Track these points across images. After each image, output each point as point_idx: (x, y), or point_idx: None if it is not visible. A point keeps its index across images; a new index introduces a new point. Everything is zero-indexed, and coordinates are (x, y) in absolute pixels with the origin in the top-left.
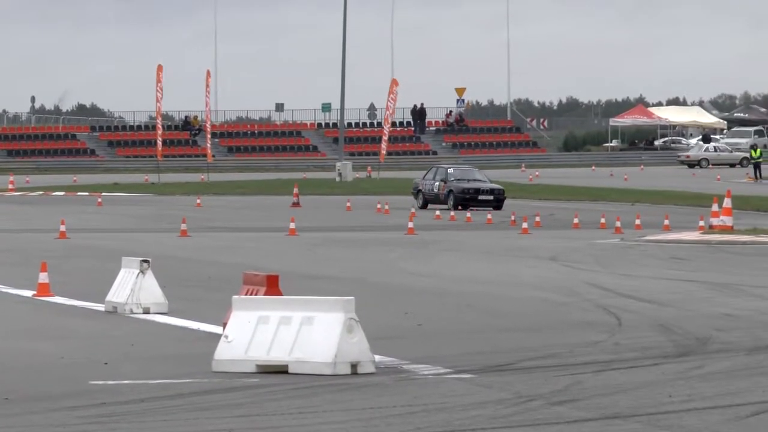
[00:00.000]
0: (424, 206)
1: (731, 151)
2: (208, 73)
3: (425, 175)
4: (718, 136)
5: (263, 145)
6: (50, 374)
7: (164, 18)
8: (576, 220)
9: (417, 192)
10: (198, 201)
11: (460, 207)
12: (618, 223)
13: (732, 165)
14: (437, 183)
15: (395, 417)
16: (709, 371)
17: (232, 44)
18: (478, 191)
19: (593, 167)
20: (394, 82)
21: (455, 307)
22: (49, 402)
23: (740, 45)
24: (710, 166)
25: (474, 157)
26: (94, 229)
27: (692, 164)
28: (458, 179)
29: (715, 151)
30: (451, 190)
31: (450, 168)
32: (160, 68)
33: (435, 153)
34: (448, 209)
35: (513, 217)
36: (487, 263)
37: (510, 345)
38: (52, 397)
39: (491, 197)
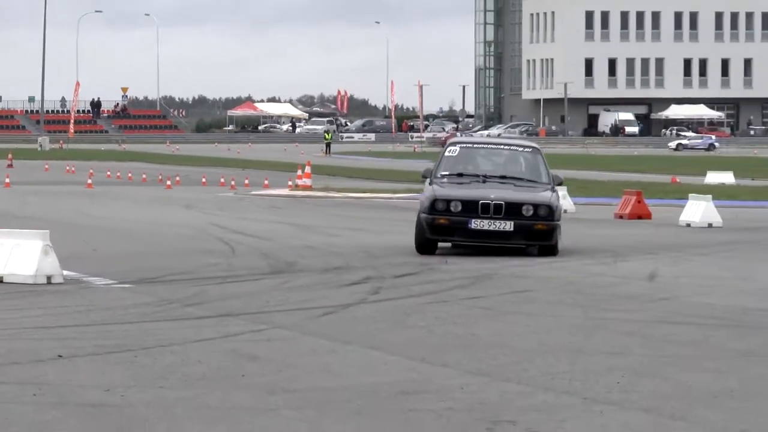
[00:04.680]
0: None
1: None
2: None
3: None
4: (302, 123)
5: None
6: None
7: None
8: (204, 180)
9: None
10: None
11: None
12: (233, 182)
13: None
14: None
15: (77, 312)
16: (294, 285)
17: None
18: None
19: (216, 144)
20: (78, 84)
21: (119, 238)
22: None
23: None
24: (297, 144)
25: (133, 136)
26: None
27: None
28: None
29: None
30: None
31: None
32: None
33: (106, 131)
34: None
35: (160, 177)
36: (142, 209)
37: (156, 265)
38: None
39: None
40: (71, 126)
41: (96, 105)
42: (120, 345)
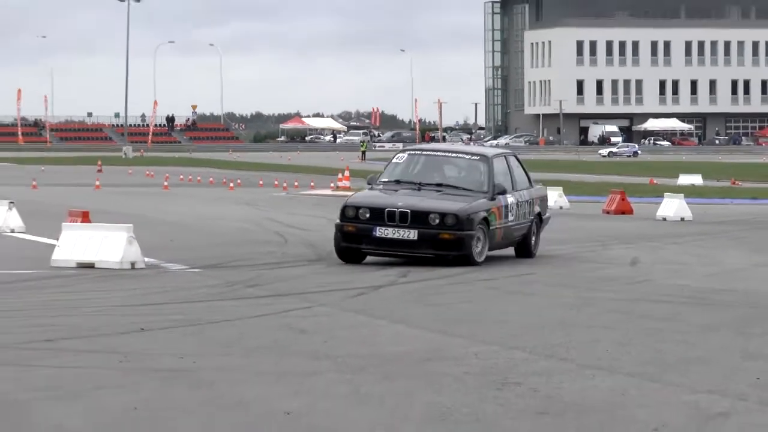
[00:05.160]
0: None
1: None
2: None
3: None
4: (341, 135)
5: (86, 135)
6: None
7: None
8: (261, 182)
9: None
10: (42, 168)
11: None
12: (285, 184)
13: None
14: None
15: (156, 293)
16: (334, 270)
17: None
18: None
19: (271, 152)
20: (155, 102)
21: (191, 231)
22: None
23: (354, 83)
24: (337, 152)
25: (201, 146)
26: None
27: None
28: None
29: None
30: None
31: None
32: None
33: (180, 142)
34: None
35: (224, 180)
36: (209, 206)
37: (221, 253)
38: None
39: None
40: (150, 137)
41: (170, 120)
42: (191, 320)
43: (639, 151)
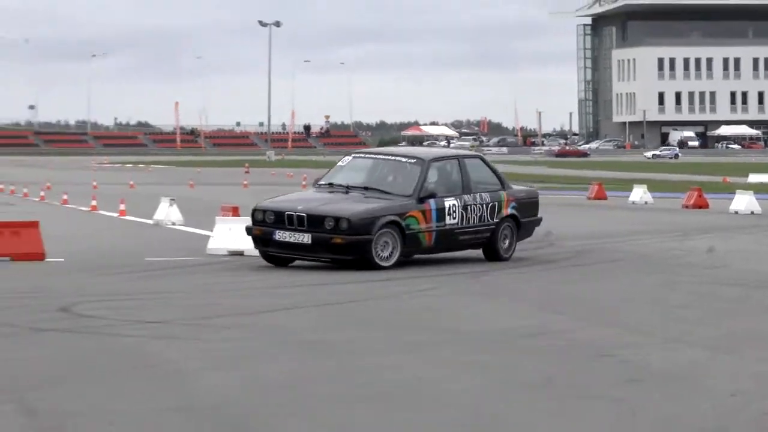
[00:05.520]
0: None
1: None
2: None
3: None
4: (454, 141)
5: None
6: (121, 253)
7: None
8: None
9: None
10: (198, 170)
11: None
12: None
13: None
14: None
15: (299, 276)
16: (459, 256)
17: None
18: None
19: None
20: (293, 113)
21: None
22: (120, 267)
23: (465, 96)
24: None
25: (333, 150)
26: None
27: None
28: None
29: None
30: None
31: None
32: None
33: (315, 147)
34: None
35: None
36: None
37: None
38: (122, 265)
39: None
40: (289, 143)
41: (307, 128)
42: (338, 300)
43: (679, 154)
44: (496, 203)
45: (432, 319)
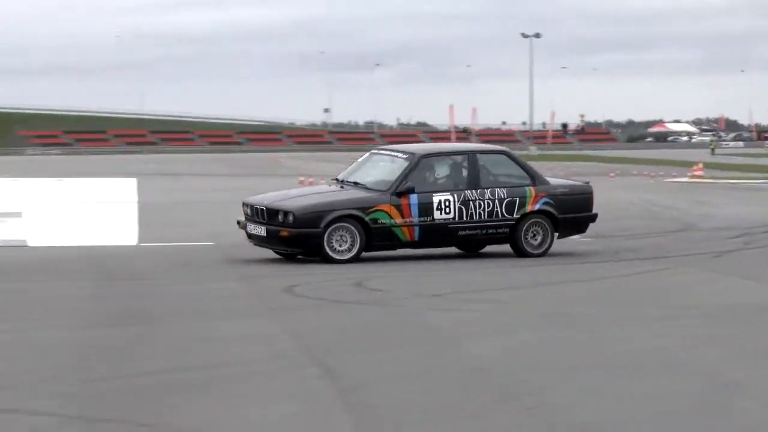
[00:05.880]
0: None
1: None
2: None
3: None
4: (695, 136)
5: (500, 139)
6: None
7: None
8: (636, 173)
9: None
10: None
11: None
12: (648, 173)
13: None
14: None
15: (552, 257)
16: (693, 238)
17: None
18: None
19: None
20: (552, 113)
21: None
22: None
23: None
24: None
25: (587, 146)
26: None
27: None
28: None
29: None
30: None
31: None
32: None
33: (572, 143)
34: None
35: (612, 173)
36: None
37: (606, 226)
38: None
39: None
40: (549, 139)
41: (564, 126)
42: (572, 279)
43: None
44: (517, 199)
45: (666, 296)
